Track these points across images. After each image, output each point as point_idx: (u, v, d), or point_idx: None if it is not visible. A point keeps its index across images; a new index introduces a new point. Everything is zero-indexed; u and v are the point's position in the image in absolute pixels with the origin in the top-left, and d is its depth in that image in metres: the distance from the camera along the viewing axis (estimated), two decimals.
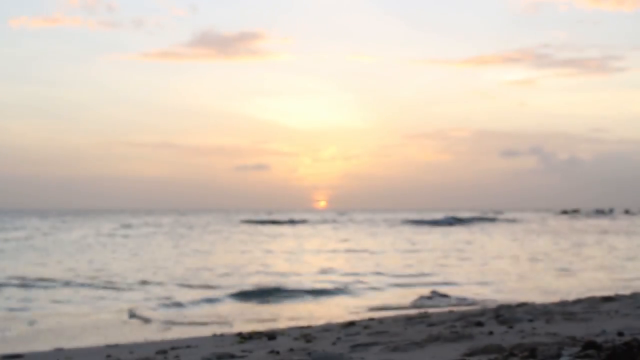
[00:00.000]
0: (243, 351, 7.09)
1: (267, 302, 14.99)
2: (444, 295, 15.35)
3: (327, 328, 9.32)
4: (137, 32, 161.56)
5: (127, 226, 61.94)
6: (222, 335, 9.53)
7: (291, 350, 6.81)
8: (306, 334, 8.34)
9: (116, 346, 8.92)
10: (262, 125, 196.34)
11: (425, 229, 60.25)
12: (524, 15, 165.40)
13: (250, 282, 18.19)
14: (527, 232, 51.65)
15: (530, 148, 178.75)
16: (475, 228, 61.07)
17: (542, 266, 23.14)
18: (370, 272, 20.97)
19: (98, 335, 10.78)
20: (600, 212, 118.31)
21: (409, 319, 9.76)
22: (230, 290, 16.55)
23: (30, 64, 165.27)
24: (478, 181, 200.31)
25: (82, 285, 17.55)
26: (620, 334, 6.18)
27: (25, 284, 17.59)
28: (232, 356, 6.74)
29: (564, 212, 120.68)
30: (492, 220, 79.68)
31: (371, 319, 10.59)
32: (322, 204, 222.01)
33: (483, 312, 9.90)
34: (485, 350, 5.54)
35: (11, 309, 13.47)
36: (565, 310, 9.25)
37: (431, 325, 8.63)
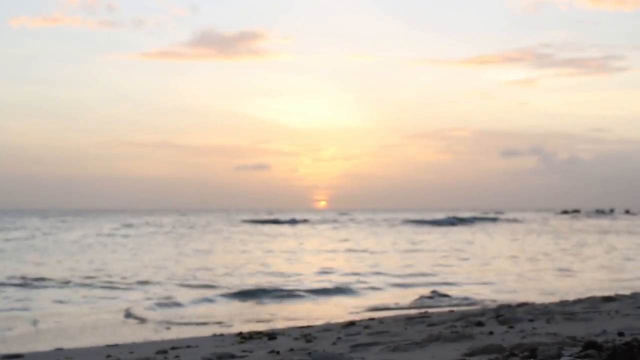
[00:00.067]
0: (243, 351, 7.09)
1: (267, 302, 14.98)
2: (445, 295, 15.34)
3: (328, 328, 9.31)
4: (137, 32, 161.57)
5: (127, 226, 61.94)
6: (222, 335, 9.53)
7: (291, 350, 6.80)
8: (306, 334, 8.34)
9: (116, 346, 8.92)
10: (262, 125, 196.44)
11: (427, 228, 60.24)
12: (524, 15, 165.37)
13: (251, 282, 18.19)
14: (528, 232, 51.65)
15: (531, 148, 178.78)
16: (477, 228, 61.06)
17: (543, 266, 23.13)
18: (370, 272, 20.97)
19: (98, 335, 10.78)
20: (600, 212, 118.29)
21: (409, 319, 9.75)
22: (231, 290, 16.55)
23: (31, 63, 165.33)
24: (478, 181, 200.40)
25: (82, 285, 17.54)
26: (621, 334, 6.17)
27: (25, 283, 17.59)
28: (233, 356, 6.73)
29: (565, 212, 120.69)
30: (494, 220, 79.66)
31: (371, 319, 10.58)
32: (322, 203, 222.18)
33: (483, 312, 9.90)
34: (485, 350, 5.53)
35: (11, 309, 13.47)
36: (565, 310, 9.25)
37: (431, 325, 8.63)
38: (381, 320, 10.06)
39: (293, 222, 73.83)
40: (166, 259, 25.90)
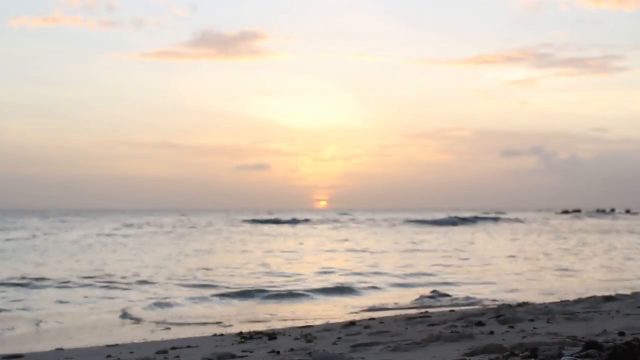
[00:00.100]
0: (243, 351, 7.08)
1: (268, 302, 14.97)
2: (445, 295, 15.33)
3: (328, 328, 9.31)
4: (137, 32, 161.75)
5: (128, 226, 61.95)
6: (222, 335, 9.52)
7: (291, 350, 6.80)
8: (306, 334, 8.33)
9: (116, 346, 8.91)
10: (262, 125, 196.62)
11: (428, 228, 60.22)
12: (524, 15, 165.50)
13: (251, 282, 18.18)
14: (529, 232, 51.64)
15: (531, 148, 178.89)
16: (478, 228, 61.05)
17: (543, 266, 23.12)
18: (371, 271, 20.96)
19: (98, 335, 10.77)
20: (601, 212, 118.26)
21: (409, 319, 9.75)
22: (231, 290, 16.54)
23: (31, 63, 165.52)
24: (478, 181, 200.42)
25: (82, 285, 17.54)
26: (622, 333, 6.16)
27: (25, 283, 17.58)
28: (233, 356, 6.73)
29: (565, 212, 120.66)
30: (495, 220, 79.63)
31: (372, 319, 10.58)
32: (323, 203, 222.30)
33: (484, 312, 9.89)
34: (486, 350, 5.52)
35: (11, 309, 13.46)
36: (566, 310, 9.24)
37: (432, 325, 8.62)
38: (381, 320, 10.05)
39: (294, 222, 73.84)
40: (166, 259, 25.89)
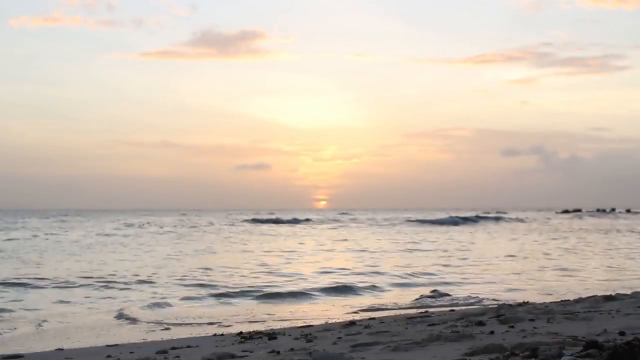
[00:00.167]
0: (243, 351, 7.08)
1: (268, 302, 14.96)
2: (446, 295, 15.32)
3: (328, 328, 9.30)
4: (137, 32, 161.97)
5: (128, 226, 61.94)
6: (222, 335, 9.51)
7: (292, 350, 6.79)
8: (307, 334, 8.33)
9: (116, 346, 8.91)
10: (262, 125, 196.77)
11: (429, 228, 60.20)
12: (525, 14, 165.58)
13: (251, 282, 18.17)
14: (530, 232, 51.62)
15: (531, 147, 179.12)
16: (479, 227, 61.04)
17: (544, 266, 23.11)
18: (371, 271, 20.94)
19: (98, 335, 10.76)
20: (601, 211, 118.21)
21: (409, 319, 9.74)
22: (231, 290, 16.54)
23: (31, 63, 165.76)
24: (479, 180, 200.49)
25: (82, 285, 17.53)
26: (622, 333, 6.15)
27: (25, 284, 17.57)
28: (233, 356, 6.72)
29: (565, 211, 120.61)
30: (497, 219, 79.58)
31: (372, 319, 10.57)
32: (323, 203, 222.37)
33: (484, 312, 9.88)
34: (486, 350, 5.52)
35: (11, 309, 13.45)
36: (566, 310, 9.23)
37: (432, 324, 8.61)
38: (382, 320, 10.04)
39: (294, 221, 73.84)
40: (166, 259, 25.88)
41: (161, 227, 59.64)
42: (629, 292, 13.02)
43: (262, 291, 16.15)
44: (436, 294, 15.36)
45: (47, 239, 40.53)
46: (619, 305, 9.55)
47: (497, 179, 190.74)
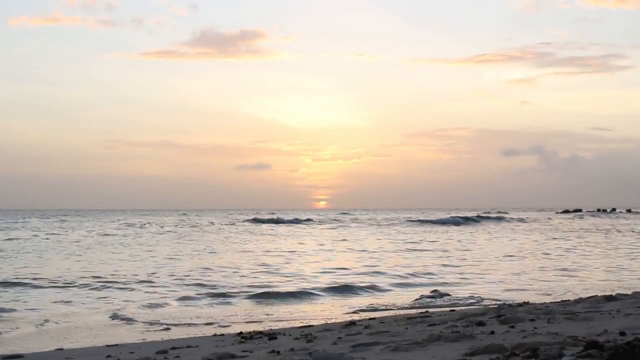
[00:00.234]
0: (244, 351, 7.07)
1: (268, 302, 14.95)
2: (446, 295, 15.32)
3: (328, 328, 9.30)
4: (137, 31, 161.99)
5: (128, 226, 61.94)
6: (222, 335, 9.51)
7: (292, 350, 6.79)
8: (307, 334, 8.32)
9: (116, 346, 8.90)
10: (262, 125, 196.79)
11: (431, 228, 60.19)
12: (525, 14, 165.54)
13: (251, 282, 18.16)
14: (531, 232, 51.62)
15: (532, 147, 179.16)
16: (480, 227, 61.03)
17: (544, 266, 23.10)
18: (372, 271, 20.94)
19: (98, 335, 10.75)
20: (602, 211, 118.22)
21: (410, 319, 9.73)
22: (231, 290, 16.53)
23: (30, 63, 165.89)
24: (479, 180, 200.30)
25: (82, 285, 17.52)
26: (622, 333, 6.15)
27: (25, 284, 17.57)
28: (233, 356, 6.72)
29: (566, 211, 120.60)
30: (498, 219, 79.57)
31: (372, 319, 10.57)
32: (323, 203, 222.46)
33: (484, 312, 9.88)
34: (486, 350, 5.51)
35: (11, 309, 13.45)
36: (566, 310, 9.23)
37: (432, 325, 8.61)
38: (382, 320, 10.04)
39: (295, 221, 73.87)
40: (166, 259, 25.88)
41: (161, 227, 59.64)
42: (629, 292, 13.02)
43: (262, 291, 16.13)
44: (436, 294, 15.35)
45: (47, 239, 40.53)
46: (619, 306, 9.55)
47: (497, 179, 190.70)
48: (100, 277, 19.08)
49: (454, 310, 11.67)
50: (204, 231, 53.16)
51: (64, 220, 79.02)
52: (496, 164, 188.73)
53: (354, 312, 13.11)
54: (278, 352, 6.63)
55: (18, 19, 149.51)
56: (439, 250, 31.30)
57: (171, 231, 52.65)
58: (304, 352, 6.53)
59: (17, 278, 18.64)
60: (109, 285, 17.48)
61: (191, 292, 16.10)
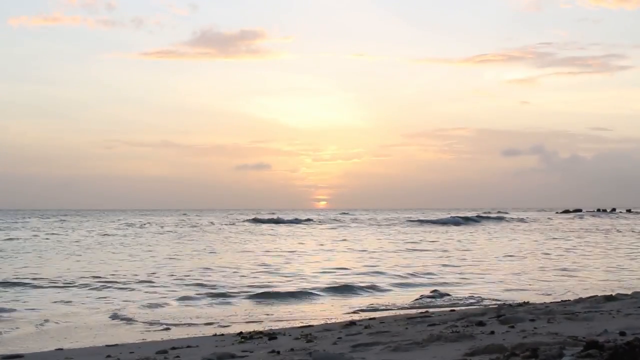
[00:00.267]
0: (243, 351, 7.07)
1: (268, 302, 14.95)
2: (446, 295, 15.32)
3: (328, 328, 9.29)
4: (137, 31, 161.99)
5: (128, 226, 61.94)
6: (222, 335, 9.51)
7: (292, 350, 6.79)
8: (307, 334, 8.32)
9: (116, 346, 8.90)
10: (262, 125, 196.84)
11: (431, 228, 60.18)
12: (525, 14, 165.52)
13: (251, 282, 18.16)
14: (531, 232, 51.61)
15: (532, 147, 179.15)
16: (480, 227, 61.03)
17: (544, 266, 23.10)
18: (372, 271, 20.94)
19: (98, 335, 10.75)
20: (602, 211, 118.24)
21: (410, 319, 9.73)
22: (231, 290, 16.53)
23: (30, 63, 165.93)
24: (479, 180, 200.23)
25: (82, 285, 17.52)
26: (622, 333, 6.15)
27: (25, 284, 17.57)
28: (233, 356, 6.72)
29: (566, 211, 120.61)
30: (499, 219, 79.56)
31: (372, 319, 10.56)
32: (323, 203, 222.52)
33: (484, 312, 9.88)
34: (486, 350, 5.51)
35: (11, 309, 13.44)
36: (566, 310, 9.22)
37: (432, 325, 8.61)
38: (382, 320, 10.04)
39: (296, 221, 73.88)
40: (166, 259, 25.87)
41: (161, 227, 59.64)
42: (629, 292, 13.02)
43: (262, 291, 16.12)
44: (436, 294, 15.35)
45: (47, 239, 40.53)
46: (619, 306, 9.55)
47: (497, 179, 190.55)
48: (100, 277, 19.08)
49: (454, 311, 11.67)
50: (204, 231, 53.16)
51: (64, 220, 79.02)
52: (496, 164, 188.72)
53: (354, 312, 13.11)
54: (278, 352, 6.63)
55: (18, 18, 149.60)
56: (439, 250, 31.30)
57: (171, 231, 52.64)
58: (304, 352, 6.53)
59: (17, 278, 18.64)
60: (109, 285, 17.48)
61: (191, 292, 16.09)
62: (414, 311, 12.45)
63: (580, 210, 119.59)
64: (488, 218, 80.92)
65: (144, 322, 12.03)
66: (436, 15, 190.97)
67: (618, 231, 50.91)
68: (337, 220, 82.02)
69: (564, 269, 21.71)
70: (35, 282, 17.83)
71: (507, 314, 8.82)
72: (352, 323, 9.63)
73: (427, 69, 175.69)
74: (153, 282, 18.12)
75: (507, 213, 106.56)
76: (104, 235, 45.87)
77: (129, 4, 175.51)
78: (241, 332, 9.23)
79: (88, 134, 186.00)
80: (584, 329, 6.80)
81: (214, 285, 17.39)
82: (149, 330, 11.17)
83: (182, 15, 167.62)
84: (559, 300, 12.71)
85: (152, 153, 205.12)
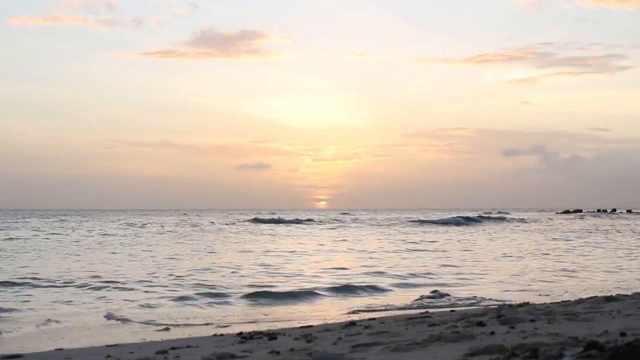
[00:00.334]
0: (243, 351, 7.07)
1: (268, 302, 14.94)
2: (446, 295, 15.31)
3: (328, 328, 9.29)
4: (137, 31, 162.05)
5: (128, 226, 61.94)
6: (222, 335, 9.50)
7: (292, 350, 6.78)
8: (307, 334, 8.31)
9: (116, 346, 8.89)
10: (262, 125, 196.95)
11: (431, 228, 60.17)
12: (525, 14, 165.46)
13: (252, 282, 18.15)
14: (531, 232, 51.61)
15: (532, 147, 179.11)
16: (481, 228, 61.02)
17: (544, 266, 23.09)
18: (372, 271, 20.93)
19: (97, 335, 10.75)
20: (602, 212, 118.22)
21: (410, 319, 9.73)
22: (231, 290, 16.52)
23: (30, 62, 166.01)
24: (479, 180, 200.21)
25: (82, 285, 17.51)
26: (623, 334, 6.14)
27: (25, 284, 17.56)
28: (233, 356, 6.71)
29: (566, 211, 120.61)
30: (500, 220, 79.56)
31: (372, 319, 10.56)
32: (323, 203, 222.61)
33: (484, 312, 9.87)
34: (486, 351, 5.50)
35: (11, 309, 13.44)
36: (567, 311, 9.22)
37: (432, 325, 8.60)
38: (382, 321, 10.03)
39: (296, 222, 73.89)
40: (166, 259, 25.87)
41: (162, 227, 59.64)
42: (629, 292, 13.01)
43: (262, 291, 16.11)
44: (436, 295, 15.35)
45: (47, 239, 40.53)
46: (619, 306, 9.54)
47: (497, 179, 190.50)
48: (100, 277, 19.07)
49: (454, 311, 11.66)
50: (204, 231, 53.15)
51: (64, 220, 79.03)
52: (496, 164, 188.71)
53: (354, 312, 13.10)
54: (278, 352, 6.62)
55: (18, 18, 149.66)
56: (439, 250, 31.30)
57: (171, 231, 52.64)
58: (304, 352, 6.52)
59: (17, 278, 18.63)
60: (109, 285, 17.47)
61: (191, 292, 16.08)
62: (414, 311, 12.44)
63: (580, 211, 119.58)
64: (489, 218, 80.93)
65: (143, 322, 12.02)
66: (436, 15, 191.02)
67: (618, 231, 50.90)
68: (337, 220, 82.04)
69: (564, 270, 21.70)
70: (35, 282, 17.82)
71: (507, 314, 8.82)
72: (352, 323, 9.62)
73: (427, 69, 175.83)
74: (153, 282, 18.11)
75: (507, 213, 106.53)
76: (104, 235, 45.86)
77: (129, 4, 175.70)
78: (241, 332, 9.22)
79: (88, 133, 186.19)
80: (584, 330, 6.79)
81: (214, 285, 17.38)
82: (149, 330, 11.16)
83: (183, 15, 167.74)
84: (559, 300, 12.70)
85: (152, 153, 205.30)
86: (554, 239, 41.87)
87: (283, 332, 9.03)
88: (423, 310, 12.37)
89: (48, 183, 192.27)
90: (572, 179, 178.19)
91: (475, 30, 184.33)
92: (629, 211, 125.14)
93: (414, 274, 20.10)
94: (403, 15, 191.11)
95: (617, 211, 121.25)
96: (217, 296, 15.54)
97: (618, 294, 11.95)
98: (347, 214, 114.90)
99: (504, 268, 22.37)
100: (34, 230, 52.06)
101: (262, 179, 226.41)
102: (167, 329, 11.28)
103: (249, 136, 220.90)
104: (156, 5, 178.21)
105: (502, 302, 13.37)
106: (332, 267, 22.53)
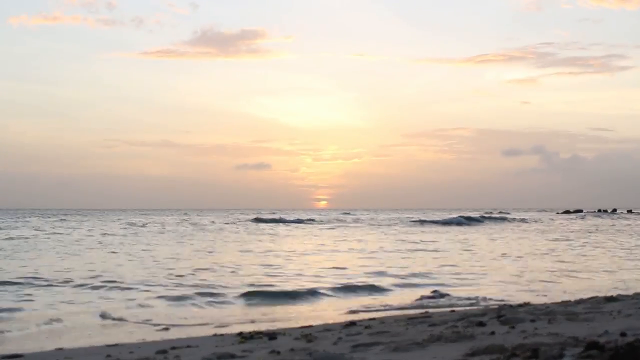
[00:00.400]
0: (244, 351, 7.06)
1: (268, 302, 14.94)
2: (446, 295, 15.30)
3: (328, 328, 9.28)
4: (137, 31, 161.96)
5: (128, 226, 61.95)
6: (222, 335, 9.50)
7: (292, 350, 6.77)
8: (307, 334, 8.31)
9: (116, 346, 8.89)
10: (263, 124, 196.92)
11: (432, 228, 60.16)
12: (525, 14, 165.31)
13: (252, 282, 18.14)
14: (532, 232, 51.60)
15: (533, 147, 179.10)
16: (482, 227, 61.02)
17: (545, 266, 23.09)
18: (372, 271, 20.92)
19: (97, 335, 10.75)
20: (603, 212, 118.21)
21: (410, 319, 9.72)
22: (231, 289, 16.52)
23: (30, 62, 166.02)
24: (480, 181, 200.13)
25: (82, 285, 17.50)
26: (623, 334, 6.13)
27: (25, 283, 17.55)
28: (233, 356, 6.71)
29: (567, 211, 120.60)
30: (501, 220, 79.55)
31: (372, 319, 10.55)
32: (323, 203, 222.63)
33: (485, 312, 9.86)
34: (487, 351, 5.50)
35: (11, 309, 13.43)
36: (567, 311, 9.21)
37: (433, 325, 8.59)
38: (382, 320, 10.03)
39: (298, 221, 73.90)
40: (167, 259, 25.86)
41: (162, 227, 59.65)
42: (630, 293, 13.00)
43: (262, 291, 16.11)
44: (437, 294, 15.34)
45: (47, 238, 40.53)
46: (620, 306, 9.53)
47: (497, 179, 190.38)
48: (100, 277, 19.06)
49: (454, 311, 11.66)
50: (205, 231, 53.16)
51: (64, 220, 79.04)
52: (497, 164, 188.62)
53: (354, 312, 13.10)
54: (278, 352, 6.62)
55: (18, 17, 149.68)
56: (439, 250, 31.29)
57: (172, 231, 52.65)
58: (304, 352, 6.52)
59: (17, 278, 18.62)
60: (109, 284, 17.46)
61: (191, 292, 16.07)
62: (414, 311, 12.43)
63: (581, 211, 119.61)
64: (490, 218, 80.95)
65: (143, 322, 12.02)
66: (436, 15, 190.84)
67: (619, 232, 50.89)
68: (338, 220, 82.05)
69: (565, 270, 21.69)
70: (35, 282, 17.81)
71: (507, 314, 8.81)
72: (353, 323, 9.62)
73: (427, 69, 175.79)
74: (153, 282, 18.10)
75: (508, 213, 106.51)
76: (105, 234, 45.86)
77: (129, 3, 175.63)
78: (241, 332, 9.22)
79: (88, 133, 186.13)
80: (584, 330, 6.79)
81: (214, 285, 17.37)
82: (149, 330, 11.16)
83: (183, 15, 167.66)
84: (560, 300, 12.70)
85: (152, 152, 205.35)
86: (554, 239, 41.86)
87: (283, 332, 9.03)
88: (423, 310, 12.37)
89: (48, 182, 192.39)
90: (573, 179, 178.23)
91: (475, 30, 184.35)
92: (630, 211, 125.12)
93: (414, 274, 20.09)
94: (403, 15, 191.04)
95: (617, 211, 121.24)
96: (217, 296, 15.54)
97: (618, 294, 11.94)
98: (348, 213, 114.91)
99: (504, 268, 22.37)
100: (35, 229, 52.07)
101: (262, 178, 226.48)
102: (166, 329, 11.28)
103: (249, 136, 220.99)
104: (156, 5, 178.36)
105: (502, 302, 13.36)
106: (332, 266, 22.52)
